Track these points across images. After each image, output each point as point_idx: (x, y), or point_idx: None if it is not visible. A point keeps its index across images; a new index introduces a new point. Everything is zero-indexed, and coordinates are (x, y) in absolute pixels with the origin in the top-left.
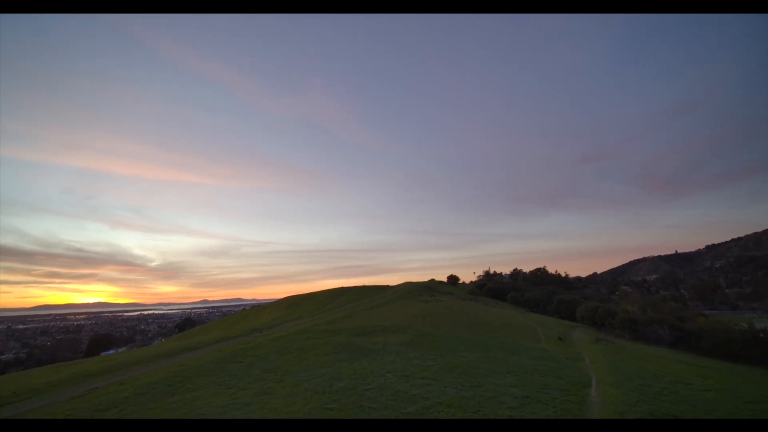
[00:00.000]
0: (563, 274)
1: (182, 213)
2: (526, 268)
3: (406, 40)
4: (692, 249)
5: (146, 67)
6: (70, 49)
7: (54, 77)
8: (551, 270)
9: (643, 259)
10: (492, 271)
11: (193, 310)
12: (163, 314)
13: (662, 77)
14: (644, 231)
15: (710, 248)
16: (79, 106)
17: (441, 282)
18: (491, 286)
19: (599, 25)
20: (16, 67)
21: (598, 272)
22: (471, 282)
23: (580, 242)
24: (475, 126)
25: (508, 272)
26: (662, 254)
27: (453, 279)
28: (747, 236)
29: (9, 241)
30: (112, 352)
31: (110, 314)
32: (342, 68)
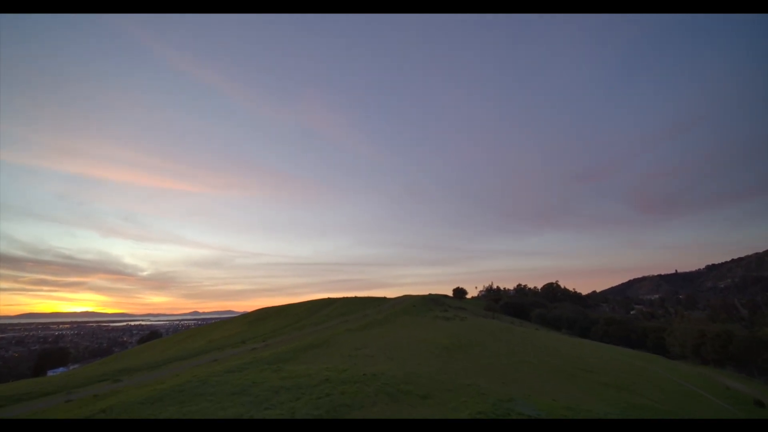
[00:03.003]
0: (572, 290)
1: (175, 222)
2: (522, 285)
3: (403, 51)
4: (691, 269)
5: (144, 73)
6: (69, 54)
7: (52, 82)
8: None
9: (643, 278)
10: (495, 286)
11: (181, 322)
12: (150, 325)
13: (658, 96)
14: (639, 250)
15: (711, 268)
16: (76, 112)
17: (445, 296)
18: (508, 301)
19: (596, 43)
20: (14, 71)
21: (597, 290)
22: (473, 297)
23: (575, 260)
24: (469, 139)
25: (511, 288)
26: (662, 273)
27: (459, 292)
28: (748, 257)
29: None
30: (62, 370)
31: (95, 324)
32: (338, 78)
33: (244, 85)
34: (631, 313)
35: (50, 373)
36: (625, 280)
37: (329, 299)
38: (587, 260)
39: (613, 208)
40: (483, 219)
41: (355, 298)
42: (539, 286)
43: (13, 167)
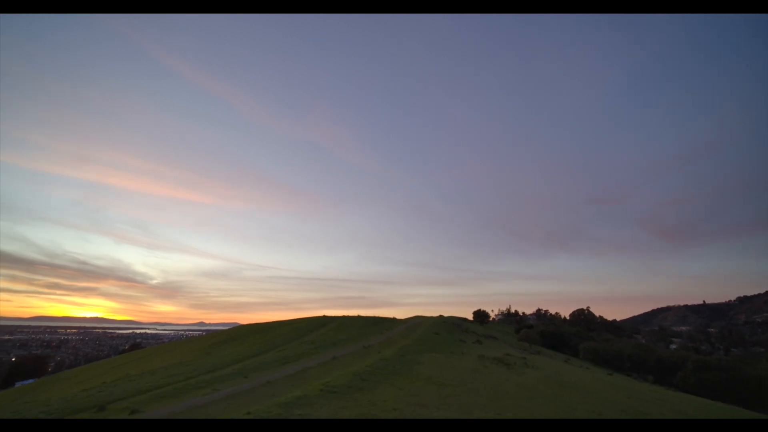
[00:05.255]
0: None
1: (186, 231)
2: (543, 311)
3: (411, 66)
4: (720, 300)
5: (160, 85)
6: (89, 64)
7: (72, 90)
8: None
9: (668, 308)
10: (513, 310)
11: (187, 332)
12: (155, 334)
13: (676, 119)
14: (659, 278)
15: (743, 300)
16: (94, 120)
17: (464, 319)
18: (544, 329)
19: (610, 66)
20: (36, 80)
21: (618, 319)
22: (491, 321)
23: (591, 286)
24: (477, 157)
25: (530, 312)
26: (689, 304)
27: (480, 316)
28: None
29: (15, 249)
30: (31, 381)
31: (101, 330)
32: (347, 93)
33: (255, 98)
34: (672, 347)
35: (18, 385)
36: (647, 309)
37: (324, 317)
38: (604, 286)
39: (629, 234)
40: (493, 239)
41: (357, 318)
42: (561, 312)
43: (33, 173)
